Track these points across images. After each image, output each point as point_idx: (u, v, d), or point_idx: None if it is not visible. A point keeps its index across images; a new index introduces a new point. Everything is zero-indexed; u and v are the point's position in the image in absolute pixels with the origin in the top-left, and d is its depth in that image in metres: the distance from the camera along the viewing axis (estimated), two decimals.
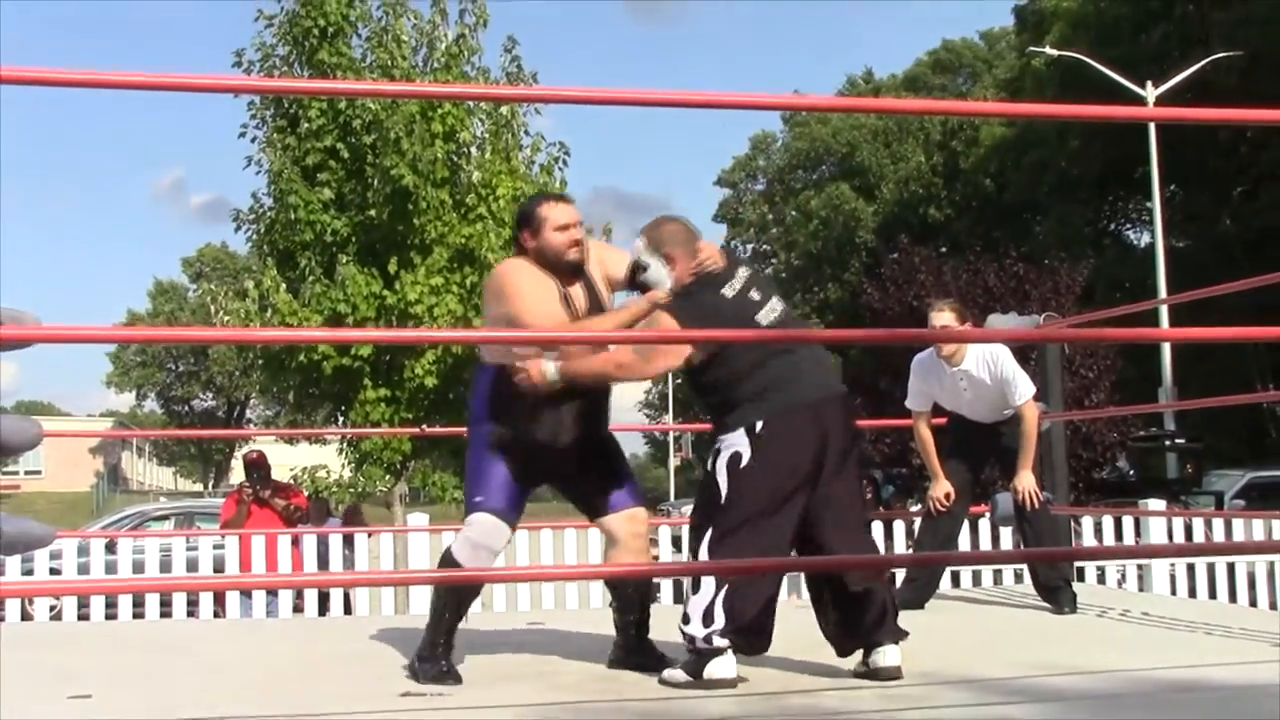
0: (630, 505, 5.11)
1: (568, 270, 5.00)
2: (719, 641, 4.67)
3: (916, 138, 52.30)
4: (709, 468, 4.83)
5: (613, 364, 4.85)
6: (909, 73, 56.15)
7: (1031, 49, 37.84)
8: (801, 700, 4.47)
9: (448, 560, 4.93)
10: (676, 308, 4.74)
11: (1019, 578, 9.10)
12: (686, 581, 4.94)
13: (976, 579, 10.36)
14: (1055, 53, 34.41)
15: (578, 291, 5.02)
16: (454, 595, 4.97)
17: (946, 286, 19.18)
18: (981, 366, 7.01)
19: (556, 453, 4.98)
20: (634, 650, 5.15)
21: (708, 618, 4.67)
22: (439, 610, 4.96)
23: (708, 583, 4.69)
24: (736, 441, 4.72)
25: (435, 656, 4.88)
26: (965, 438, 7.32)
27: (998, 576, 10.03)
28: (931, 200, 50.15)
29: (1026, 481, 7.05)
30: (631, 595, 5.17)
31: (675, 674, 4.76)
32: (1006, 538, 10.15)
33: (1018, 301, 18.87)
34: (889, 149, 53.33)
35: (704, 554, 4.72)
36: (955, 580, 10.50)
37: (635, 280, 4.97)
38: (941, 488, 7.24)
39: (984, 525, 10.71)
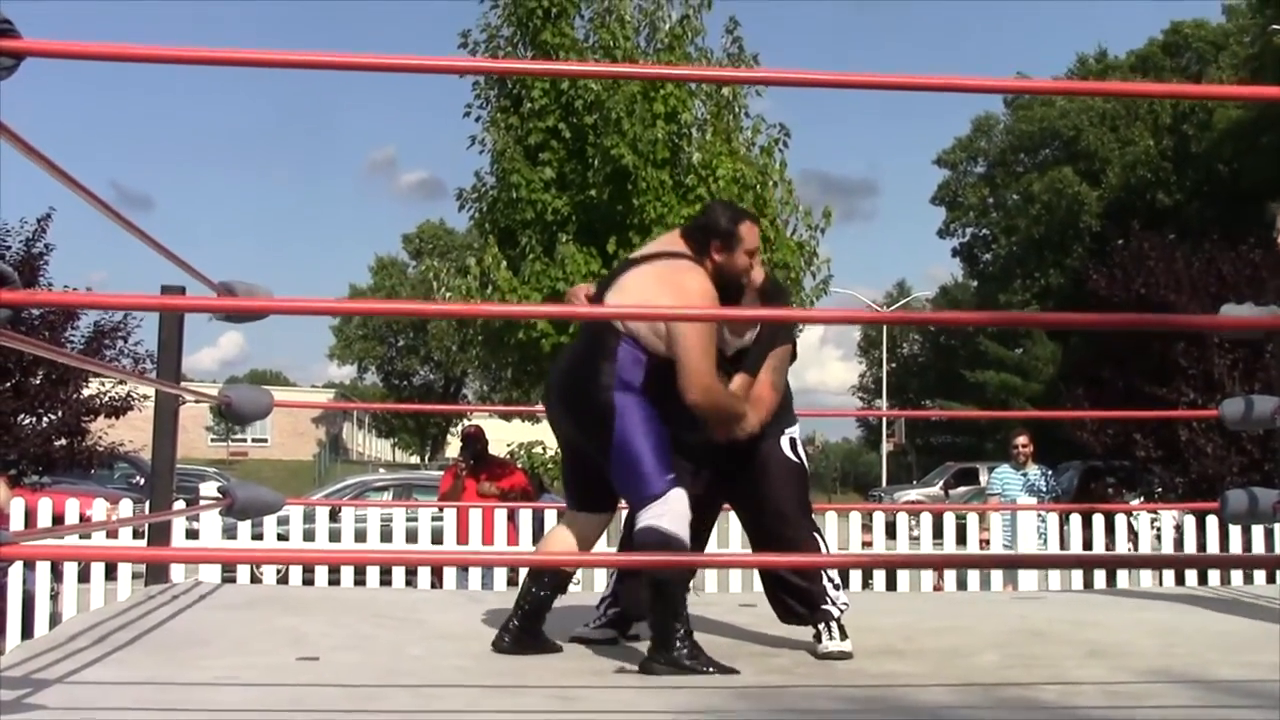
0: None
1: (735, 292, 4.94)
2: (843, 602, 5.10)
3: (1145, 121, 50.78)
4: (787, 452, 5.14)
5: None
6: (1132, 59, 54.30)
7: (1272, 27, 36.43)
8: (1019, 692, 4.38)
9: (663, 541, 4.60)
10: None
11: (1249, 577, 8.73)
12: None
13: (1203, 578, 10.03)
14: None
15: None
16: (680, 575, 4.79)
17: (1178, 274, 18.60)
18: None
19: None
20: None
21: (835, 584, 5.09)
22: (671, 595, 4.67)
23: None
24: (794, 431, 5.24)
25: (691, 643, 4.63)
26: None
27: (1225, 576, 9.70)
28: (1160, 185, 48.68)
29: None
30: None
31: (834, 644, 4.96)
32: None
33: (1253, 292, 18.22)
34: (1116, 133, 51.89)
35: (808, 529, 5.10)
36: (1180, 578, 10.19)
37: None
38: None
39: (1211, 523, 10.40)
